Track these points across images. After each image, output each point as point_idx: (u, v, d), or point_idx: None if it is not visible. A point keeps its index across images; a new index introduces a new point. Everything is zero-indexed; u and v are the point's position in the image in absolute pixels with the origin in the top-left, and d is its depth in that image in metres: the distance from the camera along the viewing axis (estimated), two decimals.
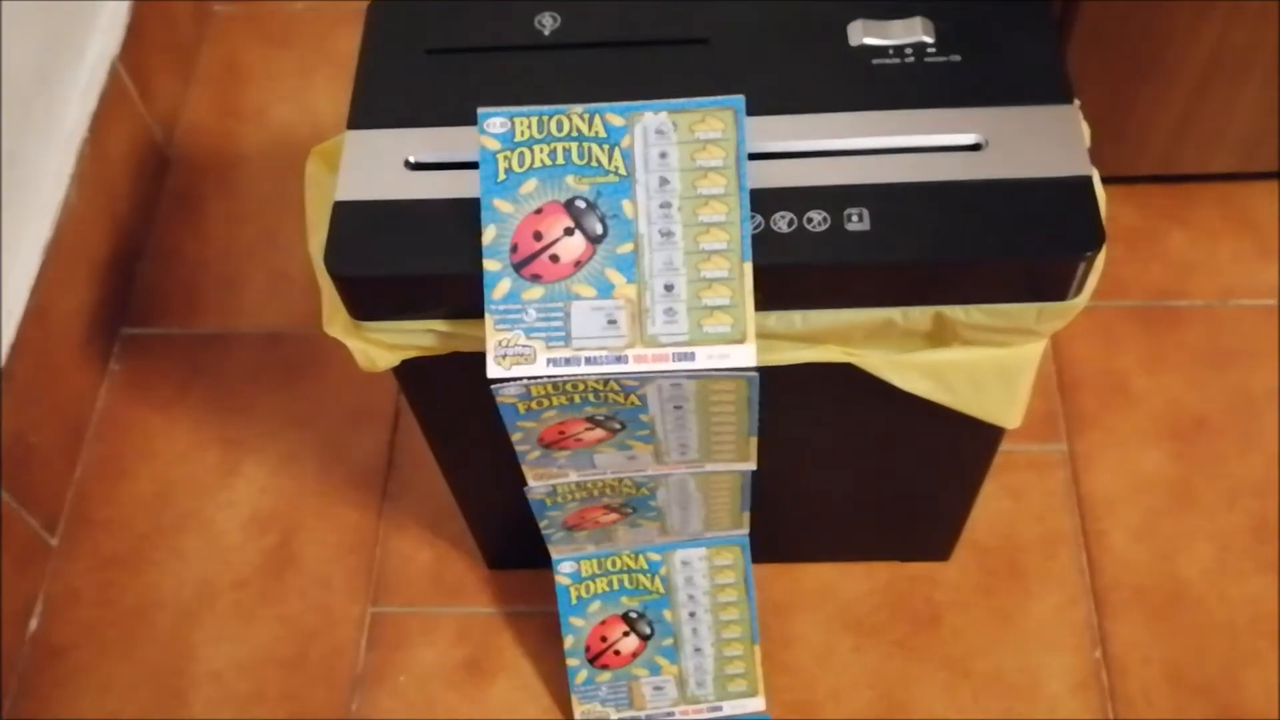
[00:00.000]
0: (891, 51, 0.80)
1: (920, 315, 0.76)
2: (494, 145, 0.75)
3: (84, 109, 1.25)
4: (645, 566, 0.98)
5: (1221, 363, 1.21)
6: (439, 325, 0.78)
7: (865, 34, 0.81)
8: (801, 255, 0.73)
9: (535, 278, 0.74)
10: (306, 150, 0.85)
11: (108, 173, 1.29)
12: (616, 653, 1.02)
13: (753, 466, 0.87)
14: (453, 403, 0.89)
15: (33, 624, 1.14)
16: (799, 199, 0.75)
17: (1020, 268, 0.74)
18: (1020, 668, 1.08)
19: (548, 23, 0.84)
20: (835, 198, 0.75)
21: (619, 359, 0.74)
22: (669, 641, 1.01)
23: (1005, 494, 1.15)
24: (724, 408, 0.79)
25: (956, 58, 0.80)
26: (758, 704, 1.05)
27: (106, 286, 1.28)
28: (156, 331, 1.30)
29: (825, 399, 0.87)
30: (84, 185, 1.23)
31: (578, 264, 0.74)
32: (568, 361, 0.74)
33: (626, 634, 1.01)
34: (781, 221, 0.74)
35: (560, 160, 0.75)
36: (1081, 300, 0.76)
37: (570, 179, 0.74)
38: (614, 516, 0.93)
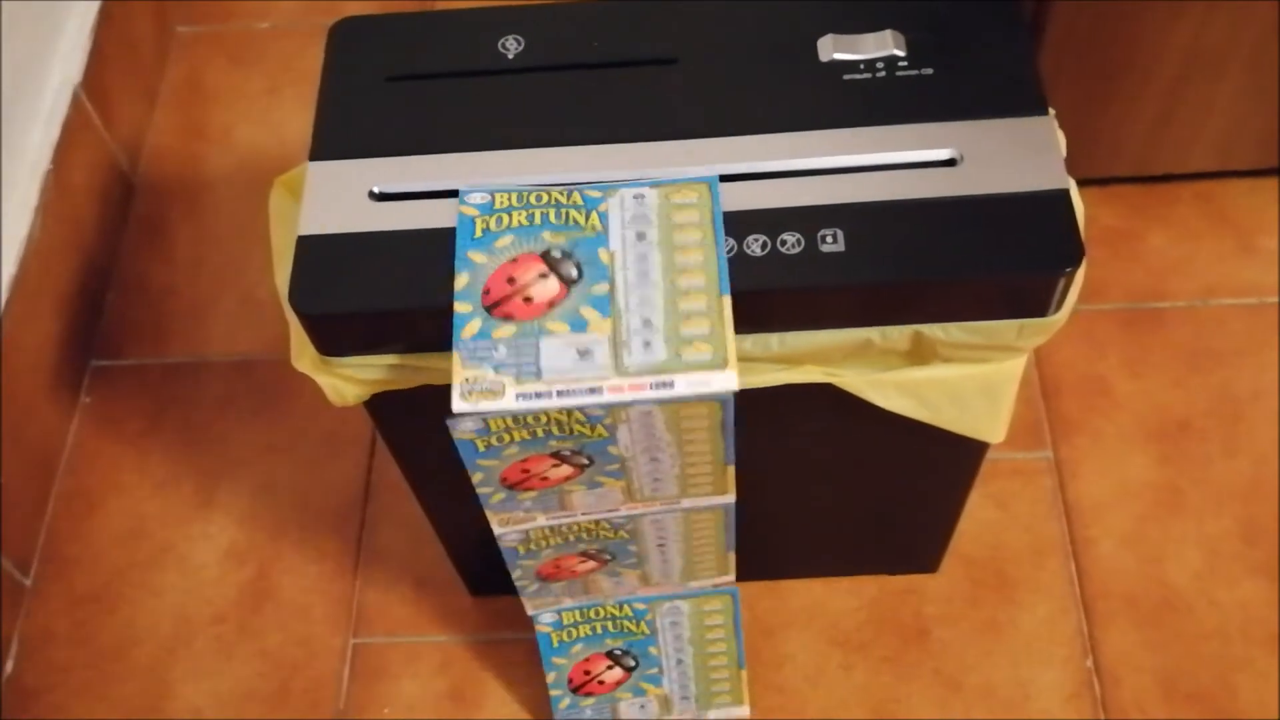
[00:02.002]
0: (863, 66, 0.79)
1: (899, 335, 0.75)
2: (473, 213, 0.74)
3: (47, 138, 1.23)
4: (630, 614, 0.95)
5: (1204, 363, 1.20)
6: (409, 359, 0.76)
7: (835, 49, 0.79)
8: (776, 279, 0.72)
9: (507, 317, 0.71)
10: (274, 171, 0.84)
11: (72, 202, 1.27)
12: (600, 682, 1.01)
13: (732, 499, 0.84)
14: (425, 434, 0.86)
15: (8, 666, 1.12)
16: (772, 221, 0.73)
17: (999, 285, 0.73)
18: (1011, 680, 1.07)
19: (512, 46, 0.82)
20: (809, 218, 0.73)
21: (593, 391, 0.71)
22: (654, 671, 1.00)
23: (991, 503, 1.14)
24: (697, 434, 0.77)
25: (929, 71, 0.78)
26: (743, 711, 1.05)
27: (74, 318, 1.26)
28: (127, 362, 1.28)
29: (806, 419, 0.86)
30: (49, 216, 1.21)
31: (551, 304, 0.72)
32: (538, 395, 0.71)
33: (610, 667, 0.99)
34: (755, 244, 0.73)
35: (538, 221, 0.73)
36: (1063, 315, 0.74)
37: (547, 234, 0.73)
38: (591, 565, 0.90)
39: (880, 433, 0.85)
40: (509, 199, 0.74)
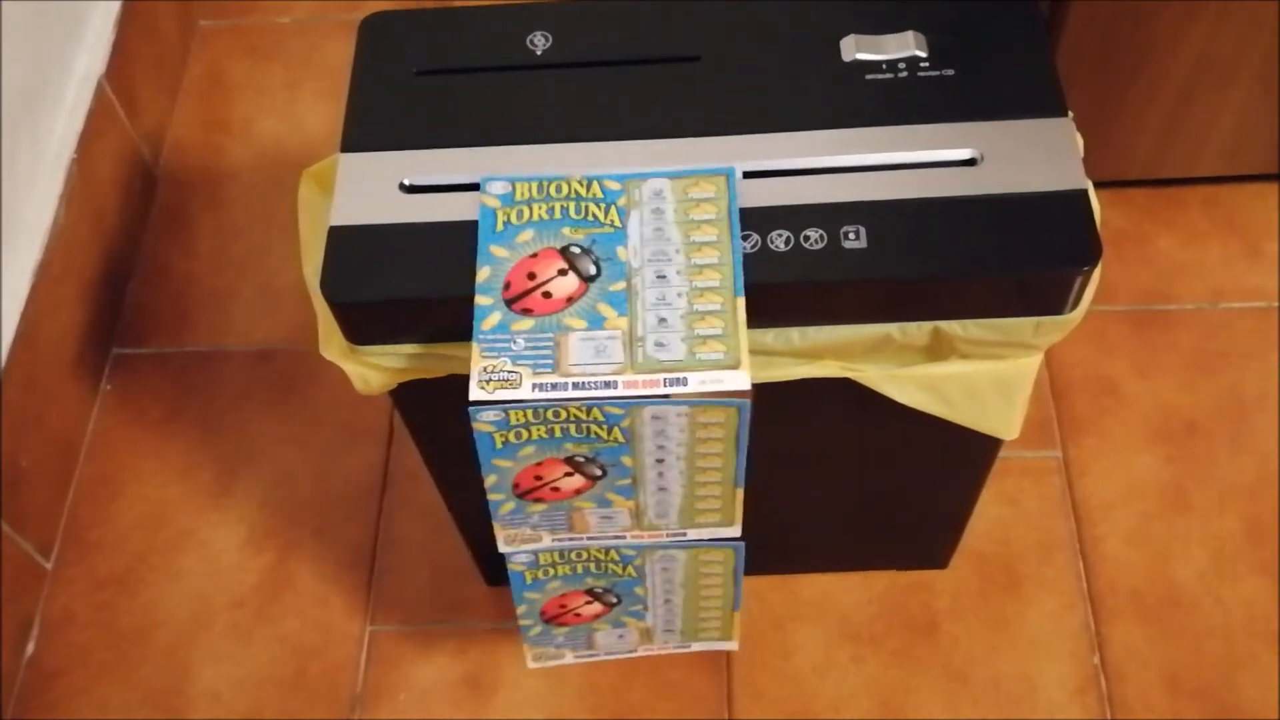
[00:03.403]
0: (885, 66, 0.81)
1: (918, 330, 0.77)
2: (494, 204, 0.76)
3: (71, 128, 1.25)
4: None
5: (1212, 365, 1.22)
6: (436, 348, 0.78)
7: (858, 49, 0.81)
8: (799, 273, 0.73)
9: (526, 312, 0.73)
10: (294, 164, 0.85)
11: (96, 192, 1.28)
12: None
13: (737, 531, 0.84)
14: (449, 424, 0.88)
15: (29, 648, 1.13)
16: (795, 217, 0.75)
17: (1017, 282, 0.74)
18: (1019, 674, 1.08)
19: (539, 42, 0.84)
20: (832, 215, 0.75)
21: (608, 384, 0.72)
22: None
23: (1001, 500, 1.16)
24: (712, 446, 0.78)
25: (950, 71, 0.80)
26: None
27: (97, 306, 1.28)
28: (148, 351, 1.30)
29: (824, 413, 0.87)
30: (73, 205, 1.23)
31: (570, 300, 0.73)
32: (554, 386, 0.72)
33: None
34: (779, 240, 0.74)
35: (558, 215, 0.76)
36: (1079, 313, 0.76)
37: (566, 230, 0.75)
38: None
39: (896, 428, 0.87)
40: (529, 190, 0.76)
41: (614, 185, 0.76)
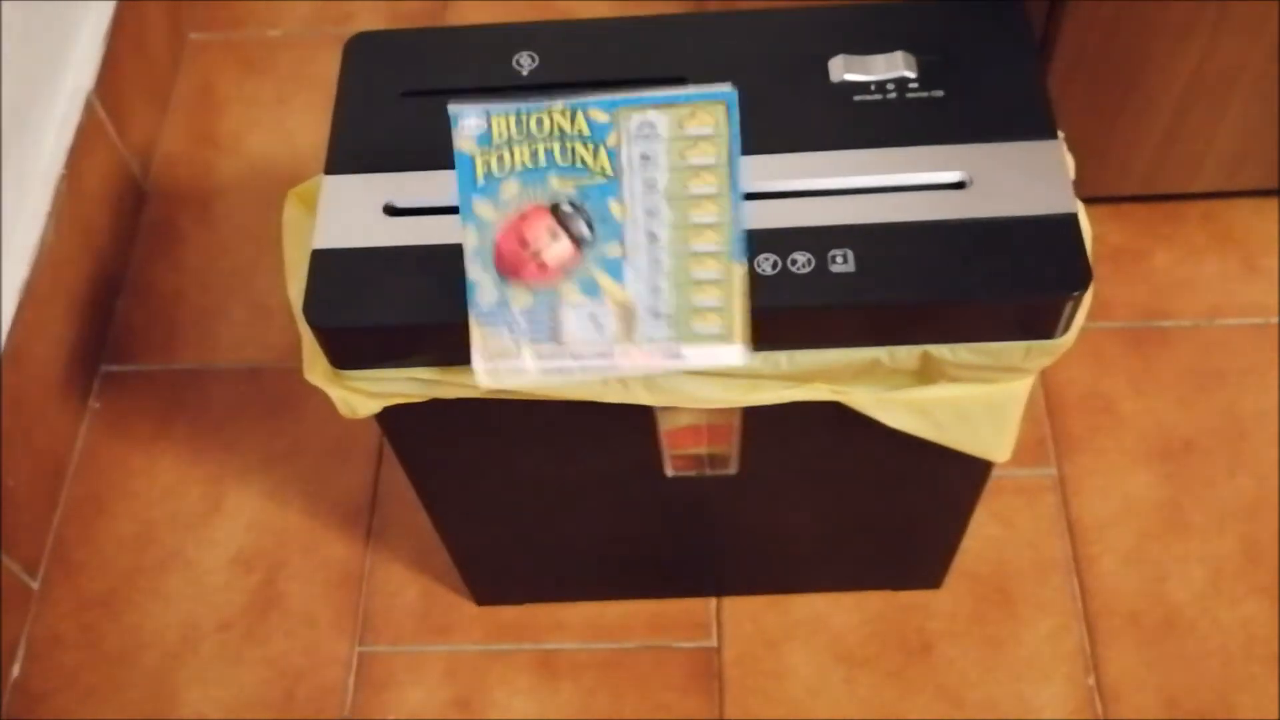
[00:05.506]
0: (873, 88, 0.80)
1: (907, 355, 0.76)
2: (471, 147, 0.72)
3: (60, 145, 1.24)
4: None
5: (1209, 383, 1.21)
6: (421, 373, 0.77)
7: (846, 70, 0.80)
8: (786, 298, 0.72)
9: (521, 282, 0.72)
10: (284, 179, 0.84)
11: (85, 208, 1.27)
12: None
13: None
14: (436, 447, 0.88)
15: (15, 669, 1.12)
16: (782, 240, 0.74)
17: (1007, 308, 0.73)
18: (1013, 696, 1.07)
19: (526, 63, 0.83)
20: (819, 238, 0.74)
21: (606, 355, 0.72)
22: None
23: (995, 520, 1.15)
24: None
25: (939, 93, 0.79)
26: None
27: (85, 324, 1.27)
28: (136, 368, 1.29)
29: (814, 436, 0.86)
30: (61, 222, 1.22)
31: (564, 268, 0.72)
32: (555, 355, 0.72)
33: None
34: (765, 263, 0.73)
35: (542, 161, 0.72)
36: (1070, 337, 0.75)
37: (554, 180, 0.72)
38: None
39: (886, 451, 0.86)
40: (508, 126, 0.71)
41: (600, 116, 0.71)
